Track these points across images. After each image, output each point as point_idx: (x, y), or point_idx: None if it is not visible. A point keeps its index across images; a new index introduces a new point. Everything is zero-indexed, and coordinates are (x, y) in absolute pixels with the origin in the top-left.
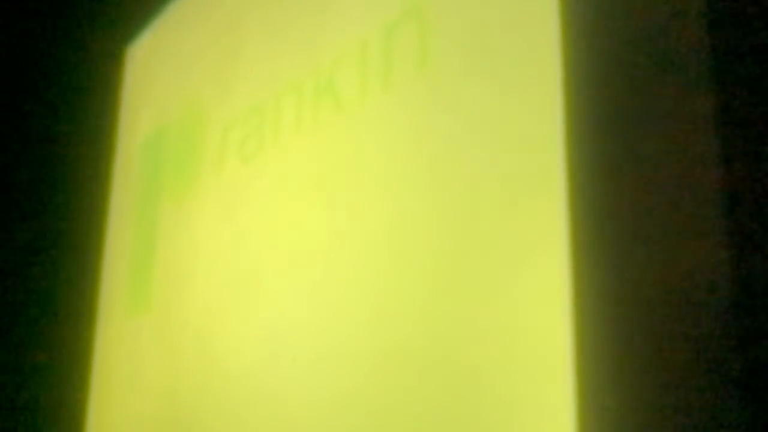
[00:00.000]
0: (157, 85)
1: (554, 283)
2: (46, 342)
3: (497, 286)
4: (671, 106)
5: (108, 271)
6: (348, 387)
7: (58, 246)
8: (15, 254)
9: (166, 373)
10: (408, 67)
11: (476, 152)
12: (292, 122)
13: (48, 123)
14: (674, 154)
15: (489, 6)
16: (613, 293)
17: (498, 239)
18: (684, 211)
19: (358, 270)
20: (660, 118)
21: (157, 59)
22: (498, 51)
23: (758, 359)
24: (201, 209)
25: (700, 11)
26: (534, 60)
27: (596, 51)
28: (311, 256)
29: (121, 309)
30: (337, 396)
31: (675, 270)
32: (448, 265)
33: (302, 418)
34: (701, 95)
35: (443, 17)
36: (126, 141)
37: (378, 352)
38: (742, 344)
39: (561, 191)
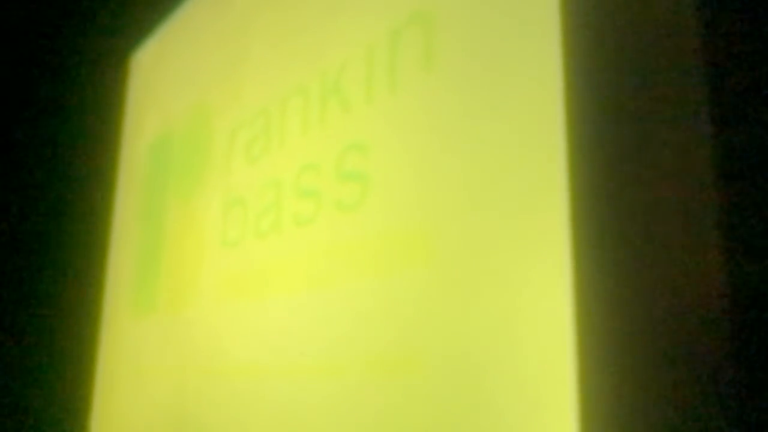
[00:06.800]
0: (162, 90)
1: (556, 284)
2: (51, 343)
3: (499, 287)
4: (671, 108)
5: (113, 273)
6: (354, 389)
7: (63, 248)
8: (21, 256)
9: (171, 375)
10: (413, 71)
11: (480, 154)
12: (299, 124)
13: (54, 127)
14: (674, 155)
15: (493, 11)
16: (614, 294)
17: (500, 241)
18: (683, 213)
19: (360, 267)
20: (660, 120)
21: (162, 65)
22: (501, 55)
23: (752, 358)
24: (207, 210)
25: (697, 14)
26: (537, 64)
27: (597, 54)
28: (317, 253)
29: (127, 310)
30: (343, 398)
31: (674, 270)
32: (450, 266)
33: (309, 420)
34: (700, 98)
35: (448, 22)
36: (131, 145)
37: (380, 353)
38: (737, 343)
39: (563, 192)
